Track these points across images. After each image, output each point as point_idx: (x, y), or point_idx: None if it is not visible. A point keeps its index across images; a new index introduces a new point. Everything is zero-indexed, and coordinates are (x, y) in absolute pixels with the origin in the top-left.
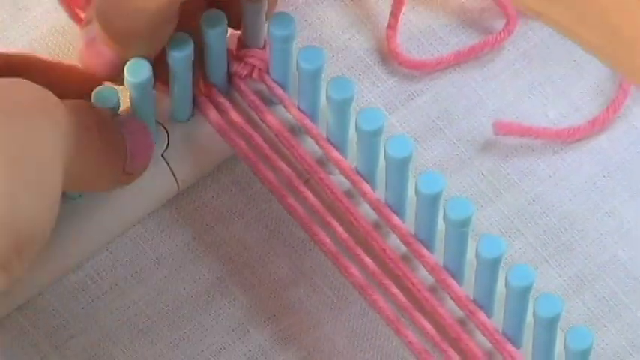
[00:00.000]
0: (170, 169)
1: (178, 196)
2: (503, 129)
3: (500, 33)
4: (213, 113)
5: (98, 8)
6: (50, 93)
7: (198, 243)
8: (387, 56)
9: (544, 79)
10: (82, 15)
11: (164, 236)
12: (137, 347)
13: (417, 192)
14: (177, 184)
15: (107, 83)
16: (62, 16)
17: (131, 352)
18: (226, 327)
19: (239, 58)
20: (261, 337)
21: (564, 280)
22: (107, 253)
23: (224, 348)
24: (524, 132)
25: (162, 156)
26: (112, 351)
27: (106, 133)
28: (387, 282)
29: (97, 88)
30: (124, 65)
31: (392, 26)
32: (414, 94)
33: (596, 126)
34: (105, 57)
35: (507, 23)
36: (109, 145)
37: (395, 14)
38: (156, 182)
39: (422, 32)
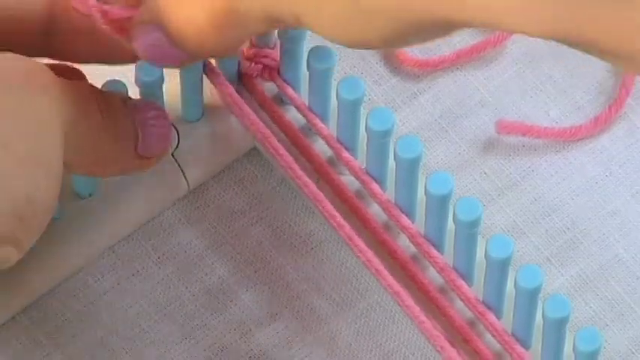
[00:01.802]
0: (180, 168)
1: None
2: (505, 128)
3: (502, 32)
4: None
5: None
6: (43, 65)
7: (201, 242)
8: (390, 55)
9: (546, 78)
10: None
11: (166, 235)
12: (139, 346)
13: (426, 192)
14: (188, 183)
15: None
16: None
17: (133, 351)
18: (228, 326)
19: (250, 58)
20: (263, 336)
21: (567, 280)
22: (109, 252)
23: (226, 347)
24: (527, 131)
25: (172, 155)
26: (114, 350)
27: (109, 110)
28: (396, 283)
29: (105, 82)
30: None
31: None
32: (416, 93)
33: (598, 125)
34: (175, 56)
35: None
36: (114, 123)
37: None
38: (166, 181)
39: None
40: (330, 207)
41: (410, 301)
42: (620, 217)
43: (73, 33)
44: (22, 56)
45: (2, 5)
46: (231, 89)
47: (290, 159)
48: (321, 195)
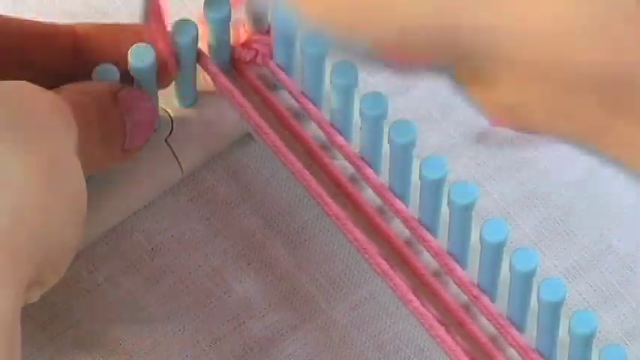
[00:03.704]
0: (174, 154)
1: (174, 187)
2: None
3: None
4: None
5: None
6: (56, 95)
7: (194, 234)
8: None
9: None
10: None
11: (159, 227)
12: (133, 338)
13: (420, 176)
14: (181, 169)
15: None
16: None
17: (127, 343)
18: (222, 318)
19: (243, 44)
20: (256, 328)
21: (560, 271)
22: (102, 244)
23: (220, 339)
24: None
25: (165, 141)
26: (107, 342)
27: (106, 118)
28: (391, 267)
29: (97, 68)
30: None
31: None
32: (410, 85)
33: None
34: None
35: None
36: (109, 129)
37: None
38: (159, 168)
39: None
40: (323, 194)
41: (405, 289)
42: (613, 208)
43: (99, 51)
44: (36, 87)
45: (35, 23)
46: (223, 76)
47: (283, 146)
48: (314, 182)
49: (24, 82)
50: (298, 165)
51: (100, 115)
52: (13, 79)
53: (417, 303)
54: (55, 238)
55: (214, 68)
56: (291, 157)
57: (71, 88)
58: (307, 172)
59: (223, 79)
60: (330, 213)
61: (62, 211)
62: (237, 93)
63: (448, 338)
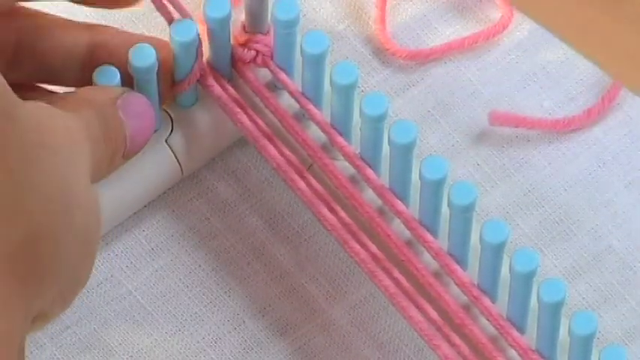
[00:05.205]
0: (174, 154)
1: (174, 187)
2: (498, 119)
3: (495, 25)
4: (222, 95)
5: None
6: (69, 118)
7: (194, 234)
8: (382, 47)
9: (539, 69)
10: None
11: (159, 227)
12: (133, 338)
13: (420, 177)
14: (182, 169)
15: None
16: None
17: (127, 342)
18: (222, 317)
19: (243, 44)
20: (256, 327)
21: (560, 271)
22: (102, 244)
23: (220, 338)
24: (520, 122)
25: (165, 142)
26: (107, 341)
27: (109, 131)
28: (391, 267)
29: (98, 69)
30: None
31: (380, 19)
32: (409, 85)
33: (592, 116)
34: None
35: (502, 16)
36: (112, 141)
37: (380, 7)
38: (160, 168)
39: (417, 22)
40: (317, 203)
41: (401, 297)
42: (613, 208)
43: (111, 61)
44: (53, 110)
45: (47, 39)
46: (217, 87)
47: (278, 156)
48: (308, 192)
49: (42, 105)
50: (293, 175)
51: (104, 129)
52: (25, 77)
53: (413, 312)
54: (65, 269)
55: (209, 80)
56: (286, 167)
57: (75, 100)
58: (302, 182)
59: (218, 90)
60: (325, 223)
61: (73, 242)
62: (228, 101)
63: (443, 344)
